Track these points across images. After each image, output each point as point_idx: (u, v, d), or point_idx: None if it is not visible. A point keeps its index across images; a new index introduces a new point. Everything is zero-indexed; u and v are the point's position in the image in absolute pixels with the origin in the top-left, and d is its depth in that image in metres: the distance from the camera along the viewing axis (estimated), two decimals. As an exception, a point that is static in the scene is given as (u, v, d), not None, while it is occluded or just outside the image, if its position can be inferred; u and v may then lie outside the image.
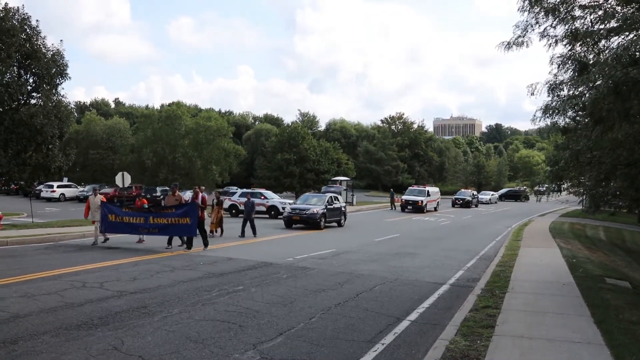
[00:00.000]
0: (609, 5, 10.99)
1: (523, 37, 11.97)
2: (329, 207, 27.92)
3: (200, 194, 18.54)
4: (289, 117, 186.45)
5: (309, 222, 26.57)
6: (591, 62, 11.40)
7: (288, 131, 61.77)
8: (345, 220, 29.78)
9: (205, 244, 17.29)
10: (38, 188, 47.79)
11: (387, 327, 8.35)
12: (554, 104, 11.76)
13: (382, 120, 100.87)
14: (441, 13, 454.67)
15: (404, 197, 45.29)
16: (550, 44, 12.04)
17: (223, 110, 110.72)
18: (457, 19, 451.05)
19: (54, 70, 25.02)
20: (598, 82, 9.59)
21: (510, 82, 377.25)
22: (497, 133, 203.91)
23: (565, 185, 17.06)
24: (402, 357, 7.01)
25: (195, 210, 17.06)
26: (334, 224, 28.69)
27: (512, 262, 15.22)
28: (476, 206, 56.04)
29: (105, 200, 19.27)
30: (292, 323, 8.35)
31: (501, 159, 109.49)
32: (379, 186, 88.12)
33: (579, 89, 11.54)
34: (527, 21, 11.79)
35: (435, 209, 45.65)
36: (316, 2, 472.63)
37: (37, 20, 24.91)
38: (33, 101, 25.92)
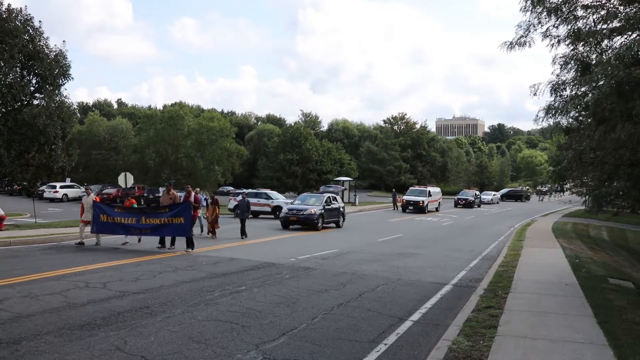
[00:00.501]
0: (612, 5, 10.97)
1: (525, 37, 11.97)
2: (327, 207, 27.34)
3: (193, 194, 18.13)
4: (292, 117, 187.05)
5: (306, 223, 26.01)
6: (594, 62, 11.38)
7: (290, 131, 61.87)
8: (344, 221, 29.14)
9: (191, 246, 16.58)
10: (41, 188, 47.76)
11: (390, 328, 8.35)
12: (556, 104, 11.77)
13: (384, 121, 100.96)
14: (445, 13, 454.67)
15: (405, 197, 44.97)
16: (553, 44, 12.04)
17: (225, 111, 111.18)
18: (461, 19, 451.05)
19: (57, 71, 25.04)
20: (601, 82, 9.58)
21: (513, 82, 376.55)
22: (499, 133, 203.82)
23: (568, 186, 17.04)
24: (404, 358, 7.01)
25: (189, 210, 16.78)
26: (332, 224, 28.07)
27: (515, 263, 15.20)
28: (479, 206, 55.98)
29: (98, 200, 18.87)
30: (294, 323, 8.35)
31: (504, 159, 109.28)
32: (381, 186, 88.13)
33: (582, 89, 11.54)
34: (529, 21, 11.80)
35: (437, 210, 45.43)
36: (318, 3, 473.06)
37: (39, 21, 24.95)
38: (36, 102, 25.93)
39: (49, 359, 6.40)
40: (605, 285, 12.10)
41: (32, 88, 25.27)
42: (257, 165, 69.58)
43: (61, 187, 50.65)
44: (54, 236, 18.99)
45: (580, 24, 11.36)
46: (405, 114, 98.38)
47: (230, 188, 54.84)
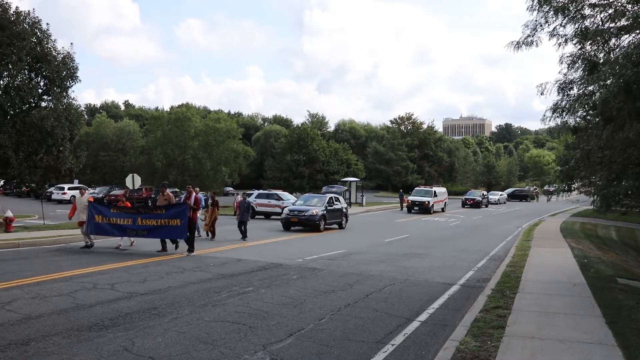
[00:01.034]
0: (619, 4, 10.91)
1: (532, 36, 11.91)
2: (329, 208, 26.61)
3: (194, 195, 17.65)
4: (298, 118, 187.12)
5: (308, 224, 25.36)
6: (601, 61, 11.32)
7: (297, 132, 61.98)
8: (346, 222, 28.48)
9: (191, 249, 16.35)
10: (49, 190, 48.08)
11: (397, 328, 8.33)
12: (563, 103, 11.70)
13: (391, 121, 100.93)
14: (452, 13, 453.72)
15: (411, 197, 44.49)
16: (560, 43, 11.97)
17: (232, 112, 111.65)
18: (468, 19, 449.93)
19: (65, 73, 25.20)
20: (608, 81, 9.52)
21: (520, 81, 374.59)
22: (507, 133, 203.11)
23: (575, 185, 16.95)
24: (411, 358, 6.99)
25: (185, 212, 16.42)
26: (335, 226, 27.42)
27: (523, 263, 15.13)
28: (486, 206, 55.79)
29: (92, 200, 18.24)
30: (301, 324, 8.35)
31: (511, 158, 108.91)
32: (388, 187, 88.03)
33: (589, 88, 11.46)
34: (536, 20, 11.74)
35: (443, 210, 45.18)
36: (324, 3, 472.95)
37: (47, 24, 25.16)
38: (44, 104, 26.13)
39: (58, 360, 6.44)
40: (614, 285, 12.03)
41: (40, 90, 25.46)
42: (264, 166, 69.66)
43: (69, 188, 50.86)
44: (62, 237, 19.08)
45: (587, 22, 11.31)
46: (412, 114, 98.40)
47: (230, 189, 54.66)
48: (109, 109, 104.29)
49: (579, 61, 11.81)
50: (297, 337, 7.66)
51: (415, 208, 42.93)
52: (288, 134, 65.14)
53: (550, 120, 12.08)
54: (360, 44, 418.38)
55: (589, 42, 11.59)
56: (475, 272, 14.54)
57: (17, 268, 12.90)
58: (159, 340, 7.28)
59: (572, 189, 16.46)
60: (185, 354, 6.73)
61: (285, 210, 27.09)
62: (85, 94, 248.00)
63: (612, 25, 10.90)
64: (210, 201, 21.61)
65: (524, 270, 13.77)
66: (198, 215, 18.36)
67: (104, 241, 18.34)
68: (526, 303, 9.75)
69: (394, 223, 33.20)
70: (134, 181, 27.21)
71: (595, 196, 15.06)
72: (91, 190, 53.79)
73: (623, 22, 10.58)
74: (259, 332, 7.79)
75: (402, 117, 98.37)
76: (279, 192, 38.38)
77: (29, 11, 24.63)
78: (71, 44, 25.23)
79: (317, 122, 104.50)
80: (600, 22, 11.12)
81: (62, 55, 25.33)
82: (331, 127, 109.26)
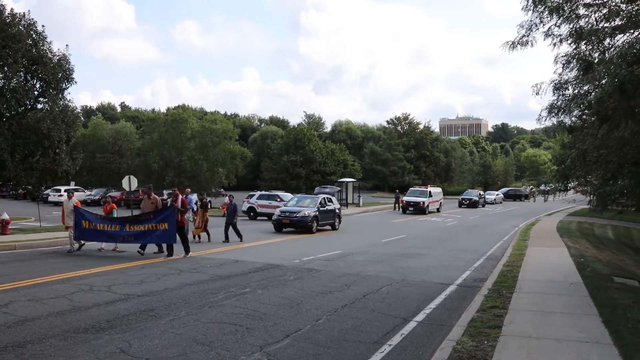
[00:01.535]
0: (614, 4, 10.93)
1: (527, 36, 11.92)
2: (321, 209, 26.14)
3: (180, 197, 17.27)
4: (295, 119, 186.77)
5: (300, 226, 24.83)
6: (596, 60, 11.34)
7: (294, 133, 62.03)
8: (339, 223, 28.08)
9: (187, 251, 16.21)
10: (45, 192, 48.01)
11: (394, 328, 8.35)
12: (559, 103, 11.74)
13: (387, 121, 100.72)
14: (448, 13, 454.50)
15: (405, 198, 44.20)
16: (555, 43, 11.98)
17: (229, 113, 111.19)
18: (464, 19, 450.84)
19: (60, 75, 25.12)
20: (603, 81, 9.56)
21: (516, 81, 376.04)
22: (503, 132, 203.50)
23: (572, 185, 16.99)
24: (408, 358, 7.00)
25: (173, 215, 16.19)
26: (328, 227, 26.94)
27: (520, 262, 15.17)
28: (483, 206, 55.90)
29: (79, 204, 17.82)
30: (298, 325, 8.36)
31: (508, 158, 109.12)
32: (385, 187, 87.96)
33: (584, 88, 11.50)
34: (531, 20, 11.75)
35: (438, 210, 44.85)
36: (320, 4, 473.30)
37: (43, 26, 25.05)
38: (40, 106, 26.03)
39: (54, 362, 6.43)
40: (611, 284, 12.07)
41: (35, 92, 25.37)
42: (261, 167, 69.63)
43: (65, 190, 50.55)
44: (58, 240, 19.03)
45: (582, 22, 11.32)
46: (409, 115, 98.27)
47: (222, 190, 54.56)
48: (105, 111, 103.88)
49: (574, 61, 11.83)
50: (294, 338, 7.66)
51: (410, 209, 42.57)
52: (285, 134, 65.17)
53: (545, 120, 12.13)
54: (357, 44, 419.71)
55: (583, 42, 11.61)
56: (472, 272, 14.56)
57: (13, 270, 12.87)
58: (155, 341, 7.28)
59: (569, 188, 16.50)
60: (182, 356, 6.72)
61: (277, 212, 26.54)
62: (81, 95, 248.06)
63: (606, 25, 10.93)
64: (199, 204, 21.14)
65: (521, 269, 13.80)
66: (186, 217, 17.91)
67: (88, 244, 17.82)
68: (523, 302, 9.77)
69: (390, 223, 33.21)
70: (130, 183, 27.19)
71: (592, 195, 15.10)
72: (87, 192, 53.88)
73: (617, 21, 10.60)
74: (256, 333, 7.79)
75: (399, 117, 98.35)
76: (281, 193, 38.17)
77: (24, 13, 24.55)
78: (67, 45, 25.20)
79: (314, 122, 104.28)
80: (595, 22, 11.14)
81: (57, 57, 25.24)
82: (328, 127, 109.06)
